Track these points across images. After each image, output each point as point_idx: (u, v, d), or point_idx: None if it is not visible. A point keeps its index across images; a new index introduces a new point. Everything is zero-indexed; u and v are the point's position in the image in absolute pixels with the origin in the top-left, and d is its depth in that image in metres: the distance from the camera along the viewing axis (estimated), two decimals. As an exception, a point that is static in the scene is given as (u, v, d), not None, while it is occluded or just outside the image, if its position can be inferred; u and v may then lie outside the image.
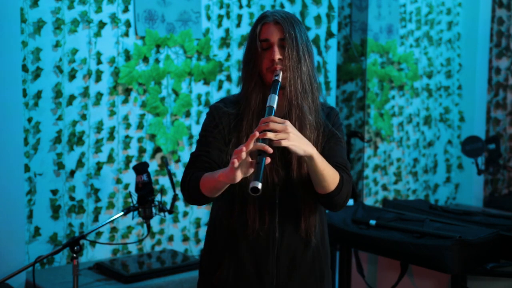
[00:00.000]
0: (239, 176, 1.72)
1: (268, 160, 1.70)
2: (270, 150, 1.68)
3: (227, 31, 3.61)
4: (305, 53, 1.94)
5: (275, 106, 1.83)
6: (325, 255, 2.08)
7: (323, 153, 1.94)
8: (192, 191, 1.93)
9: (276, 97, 1.85)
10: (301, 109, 1.94)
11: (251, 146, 1.69)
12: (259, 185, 1.63)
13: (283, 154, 1.94)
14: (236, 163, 1.68)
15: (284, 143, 1.74)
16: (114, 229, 3.33)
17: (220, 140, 1.98)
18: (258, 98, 1.96)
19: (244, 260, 1.98)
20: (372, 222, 2.93)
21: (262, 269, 1.98)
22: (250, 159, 1.71)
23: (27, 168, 3.04)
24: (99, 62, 3.22)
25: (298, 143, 1.76)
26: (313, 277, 2.04)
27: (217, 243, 2.04)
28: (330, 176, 1.86)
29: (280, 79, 1.90)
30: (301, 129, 1.93)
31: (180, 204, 3.54)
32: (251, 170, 1.72)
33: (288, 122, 1.77)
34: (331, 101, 3.94)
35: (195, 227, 3.59)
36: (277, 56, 1.92)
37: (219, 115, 2.02)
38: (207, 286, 2.07)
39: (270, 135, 1.72)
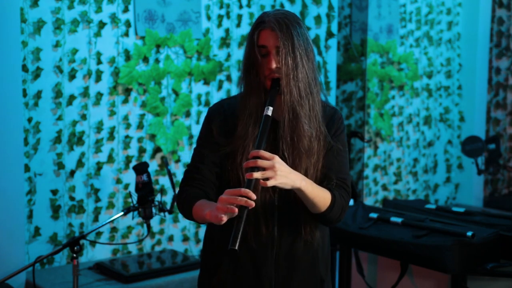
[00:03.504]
0: (224, 221, 1.75)
1: (252, 204, 1.71)
2: (252, 204, 1.71)
3: (227, 31, 3.62)
4: (303, 58, 1.92)
5: (270, 113, 1.86)
6: (325, 259, 2.08)
7: (322, 164, 1.96)
8: (186, 214, 1.98)
9: (271, 109, 1.87)
10: (298, 118, 1.92)
11: (236, 212, 1.71)
12: (236, 247, 1.68)
13: (293, 161, 1.93)
14: (223, 220, 1.73)
15: (270, 183, 1.75)
16: (114, 229, 3.33)
17: (214, 150, 1.99)
18: (256, 102, 1.95)
19: (243, 262, 1.98)
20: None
21: (261, 271, 1.97)
22: (236, 210, 1.72)
23: (27, 168, 3.04)
24: (99, 62, 3.22)
25: (285, 179, 1.78)
26: (313, 281, 2.04)
27: (216, 244, 2.04)
28: (321, 202, 1.89)
29: (271, 110, 1.88)
30: (298, 139, 1.92)
31: (180, 204, 3.54)
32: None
33: (276, 158, 1.77)
34: (331, 101, 3.94)
35: (195, 227, 3.59)
36: (273, 65, 1.90)
37: (215, 118, 2.03)
38: (207, 285, 2.07)
39: (257, 175, 1.74)
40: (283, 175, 1.78)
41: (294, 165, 1.91)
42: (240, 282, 1.99)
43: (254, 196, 1.72)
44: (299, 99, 1.92)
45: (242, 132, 1.95)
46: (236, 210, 1.71)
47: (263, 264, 1.97)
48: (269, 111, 1.87)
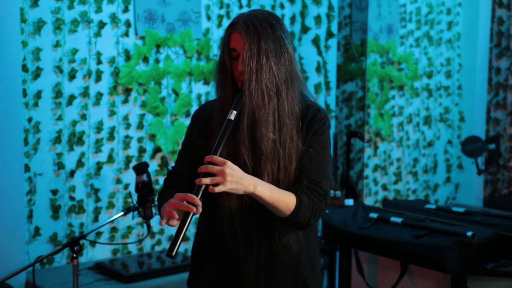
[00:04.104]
0: (173, 225, 1.79)
1: (200, 210, 1.74)
2: (193, 210, 1.73)
3: (227, 31, 3.61)
4: (270, 60, 1.87)
5: (232, 117, 1.85)
6: (309, 261, 2.04)
7: (297, 168, 1.92)
8: (160, 215, 1.99)
9: (235, 112, 1.86)
10: (257, 122, 1.88)
11: (175, 217, 1.76)
12: (173, 253, 1.73)
13: (256, 164, 1.91)
14: (163, 223, 1.79)
15: (218, 189, 1.75)
16: (114, 229, 3.33)
17: (194, 152, 2.01)
18: (228, 105, 1.93)
19: (224, 265, 1.99)
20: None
21: (243, 274, 1.97)
22: (176, 216, 1.77)
23: (27, 168, 3.04)
24: (99, 62, 3.22)
25: (236, 185, 1.77)
26: (295, 284, 2.01)
27: (200, 246, 2.06)
28: (282, 206, 1.84)
29: (234, 114, 1.87)
30: (256, 143, 1.89)
31: (180, 204, 3.54)
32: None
33: (228, 164, 1.76)
34: (331, 101, 3.94)
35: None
36: (240, 67, 1.89)
37: (196, 121, 2.05)
38: (193, 285, 2.09)
39: (205, 180, 1.75)
40: (234, 180, 1.76)
41: (255, 169, 1.88)
42: (222, 284, 2.00)
43: (198, 203, 1.73)
44: (260, 102, 1.87)
45: (213, 135, 1.94)
46: (176, 216, 1.74)
47: (244, 268, 1.96)
48: (232, 115, 1.86)
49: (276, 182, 1.89)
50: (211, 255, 2.02)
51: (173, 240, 1.73)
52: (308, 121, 1.96)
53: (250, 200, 1.92)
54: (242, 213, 1.94)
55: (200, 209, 1.74)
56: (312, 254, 2.06)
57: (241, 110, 1.89)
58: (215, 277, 2.01)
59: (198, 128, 2.03)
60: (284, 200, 1.85)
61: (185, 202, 1.75)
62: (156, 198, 2.84)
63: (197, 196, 1.75)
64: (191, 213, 1.73)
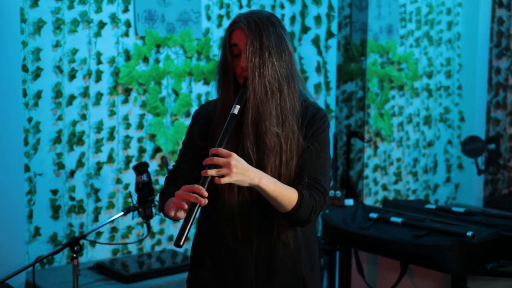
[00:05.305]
0: (180, 217, 1.79)
1: (202, 201, 1.73)
2: (202, 201, 1.73)
3: (227, 31, 3.61)
4: (272, 56, 1.90)
5: (236, 112, 1.86)
6: (308, 260, 2.05)
7: (297, 164, 1.94)
8: (163, 213, 1.99)
9: (238, 107, 1.87)
10: (261, 116, 1.90)
11: (185, 207, 1.75)
12: (181, 243, 1.71)
13: (259, 158, 1.92)
14: (175, 216, 1.79)
15: (224, 180, 1.75)
16: (114, 229, 3.33)
17: (196, 151, 2.01)
18: (230, 102, 1.94)
19: (224, 263, 1.99)
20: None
21: (242, 272, 1.97)
22: (185, 206, 1.76)
23: (27, 168, 3.04)
24: (99, 62, 3.22)
25: (241, 177, 1.77)
26: (295, 283, 2.02)
27: (199, 244, 2.07)
28: (285, 200, 1.85)
29: (238, 108, 1.88)
30: (261, 137, 1.91)
31: (180, 204, 3.54)
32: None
33: (233, 156, 1.76)
34: (331, 101, 3.94)
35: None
36: (243, 63, 1.91)
37: (197, 121, 2.06)
38: (192, 284, 2.09)
39: (211, 172, 1.74)
40: (239, 172, 1.76)
41: (260, 163, 1.90)
42: (222, 282, 2.00)
43: (205, 193, 1.73)
44: (263, 97, 1.90)
45: (215, 133, 1.95)
46: (185, 206, 1.74)
47: (243, 266, 1.97)
48: (236, 109, 1.87)
49: (278, 176, 1.91)
50: (210, 254, 2.02)
51: (181, 230, 1.72)
52: (308, 119, 1.99)
53: (250, 196, 1.93)
54: (242, 210, 1.95)
55: (207, 201, 1.74)
56: (310, 253, 2.06)
57: (245, 104, 1.90)
58: (215, 276, 2.01)
59: (199, 128, 2.04)
60: (287, 194, 1.86)
61: (192, 193, 1.74)
62: (156, 198, 2.85)
63: (203, 187, 1.75)
64: (198, 204, 1.73)
